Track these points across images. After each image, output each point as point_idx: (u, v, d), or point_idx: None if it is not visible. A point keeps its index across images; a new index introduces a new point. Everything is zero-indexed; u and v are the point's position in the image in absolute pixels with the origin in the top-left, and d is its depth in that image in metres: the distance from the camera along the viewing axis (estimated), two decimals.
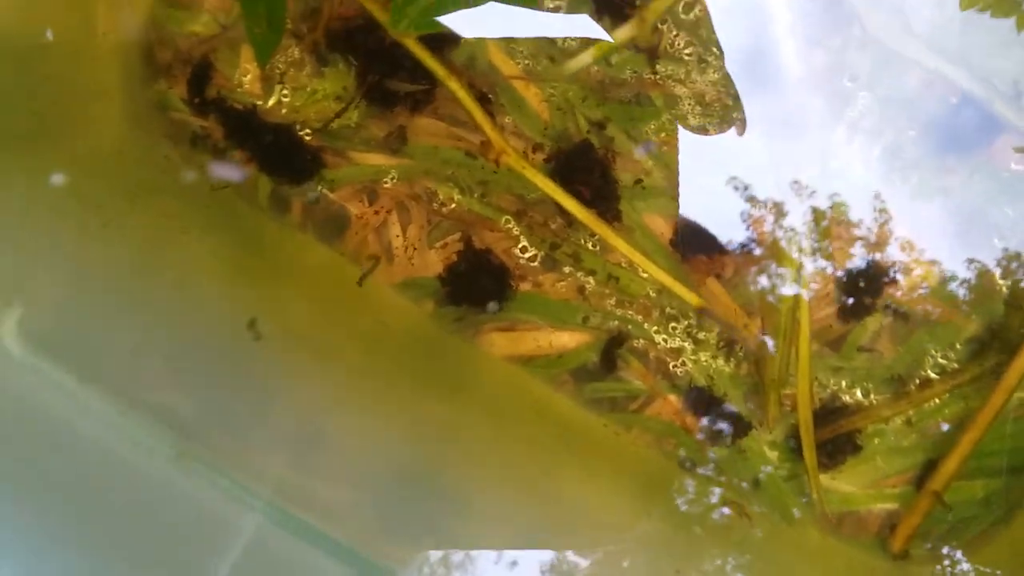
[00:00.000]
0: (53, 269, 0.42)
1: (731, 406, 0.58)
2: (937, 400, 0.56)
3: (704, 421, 0.59)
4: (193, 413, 0.42)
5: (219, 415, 0.43)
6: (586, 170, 0.58)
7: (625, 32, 0.50)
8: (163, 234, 0.51)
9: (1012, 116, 0.51)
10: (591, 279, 0.59)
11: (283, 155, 0.59)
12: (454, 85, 0.51)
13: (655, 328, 0.59)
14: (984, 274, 0.56)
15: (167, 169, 0.55)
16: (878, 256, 0.57)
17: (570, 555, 0.54)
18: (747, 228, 0.57)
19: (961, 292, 0.56)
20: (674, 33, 0.57)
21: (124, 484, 0.36)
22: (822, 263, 0.57)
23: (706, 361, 0.58)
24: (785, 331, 0.56)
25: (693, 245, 0.58)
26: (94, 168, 0.51)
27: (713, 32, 0.56)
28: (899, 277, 0.57)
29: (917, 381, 0.57)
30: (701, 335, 0.58)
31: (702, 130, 0.57)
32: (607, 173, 0.58)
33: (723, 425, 0.58)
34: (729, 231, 0.58)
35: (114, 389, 0.39)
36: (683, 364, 0.59)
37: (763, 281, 0.57)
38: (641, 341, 0.59)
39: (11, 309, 0.37)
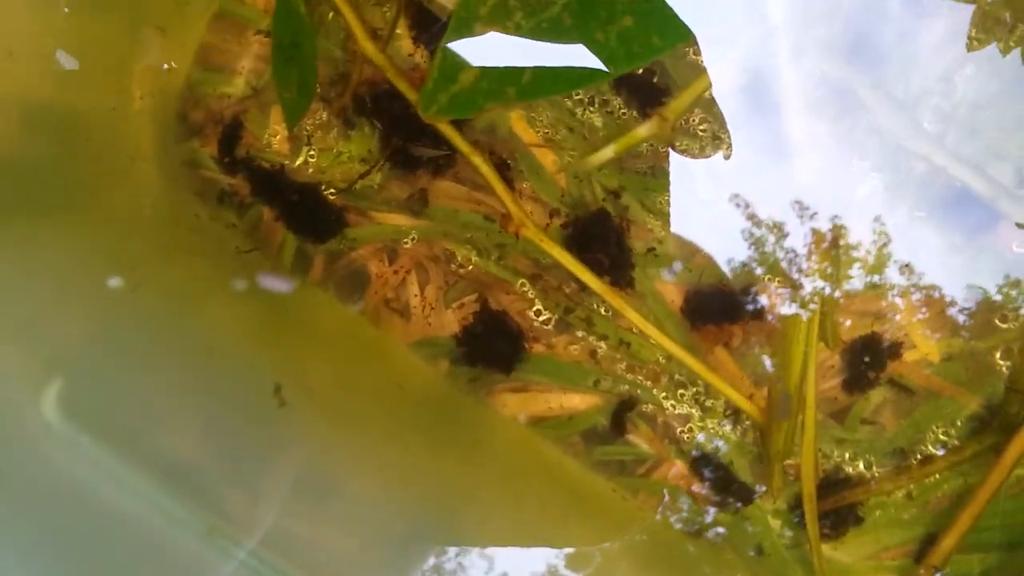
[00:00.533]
0: (87, 336, 0.44)
1: (736, 473, 0.60)
2: (937, 475, 0.58)
3: (709, 487, 0.60)
4: (217, 479, 0.43)
5: (241, 479, 0.45)
6: (603, 239, 0.59)
7: (645, 130, 0.52)
8: (192, 295, 0.53)
9: (1015, 212, 0.53)
10: (603, 343, 0.60)
11: (308, 213, 0.61)
12: (477, 160, 0.53)
13: (664, 394, 0.60)
14: (986, 353, 0.57)
15: (196, 228, 0.57)
16: (882, 331, 0.58)
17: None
18: (754, 301, 0.59)
19: (962, 370, 0.58)
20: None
21: (155, 556, 0.38)
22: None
23: (713, 428, 0.60)
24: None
25: (703, 313, 0.60)
26: (130, 228, 0.53)
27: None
28: (902, 352, 0.58)
29: (918, 456, 0.58)
30: (709, 402, 0.60)
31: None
32: (622, 241, 0.60)
33: (728, 492, 0.60)
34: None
35: (144, 458, 0.40)
36: (690, 430, 0.60)
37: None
38: (650, 406, 0.60)
39: (51, 382, 0.39)
